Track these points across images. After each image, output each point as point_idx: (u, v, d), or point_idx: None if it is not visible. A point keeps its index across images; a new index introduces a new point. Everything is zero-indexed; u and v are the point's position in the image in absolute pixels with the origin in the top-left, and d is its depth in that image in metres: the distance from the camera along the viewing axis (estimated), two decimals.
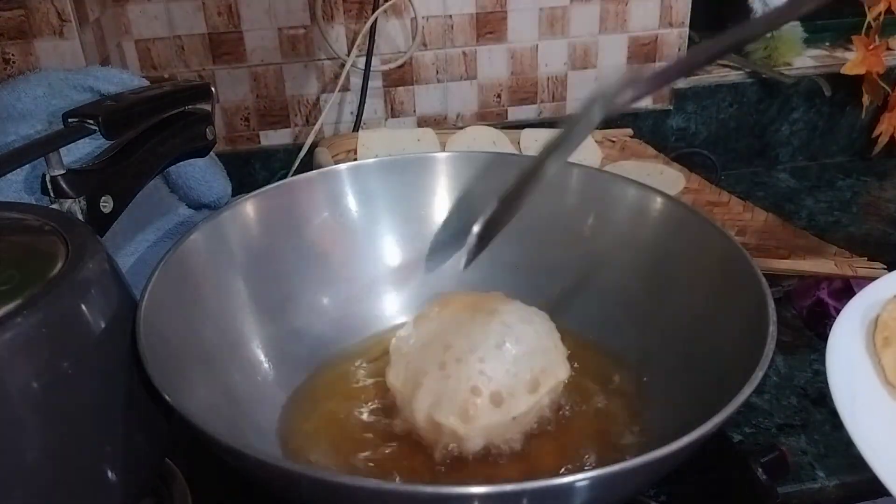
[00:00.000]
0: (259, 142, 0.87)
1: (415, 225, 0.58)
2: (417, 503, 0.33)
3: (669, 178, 0.78)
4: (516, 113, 0.91)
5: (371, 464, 0.45)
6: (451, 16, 0.84)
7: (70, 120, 0.44)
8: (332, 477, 0.32)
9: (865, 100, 0.92)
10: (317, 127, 0.84)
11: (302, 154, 0.83)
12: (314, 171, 0.58)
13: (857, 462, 0.51)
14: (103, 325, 0.36)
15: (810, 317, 0.64)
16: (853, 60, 0.90)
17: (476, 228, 0.41)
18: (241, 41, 0.82)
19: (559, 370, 0.46)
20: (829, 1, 0.38)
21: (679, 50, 0.90)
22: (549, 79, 0.89)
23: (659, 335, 0.50)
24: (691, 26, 0.90)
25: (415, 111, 0.89)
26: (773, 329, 0.39)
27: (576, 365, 0.49)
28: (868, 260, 0.65)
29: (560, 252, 0.55)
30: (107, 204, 0.45)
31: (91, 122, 0.44)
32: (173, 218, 0.63)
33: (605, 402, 0.48)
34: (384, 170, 0.58)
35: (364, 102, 0.85)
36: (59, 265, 0.36)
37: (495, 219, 0.41)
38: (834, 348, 0.44)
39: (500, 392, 0.43)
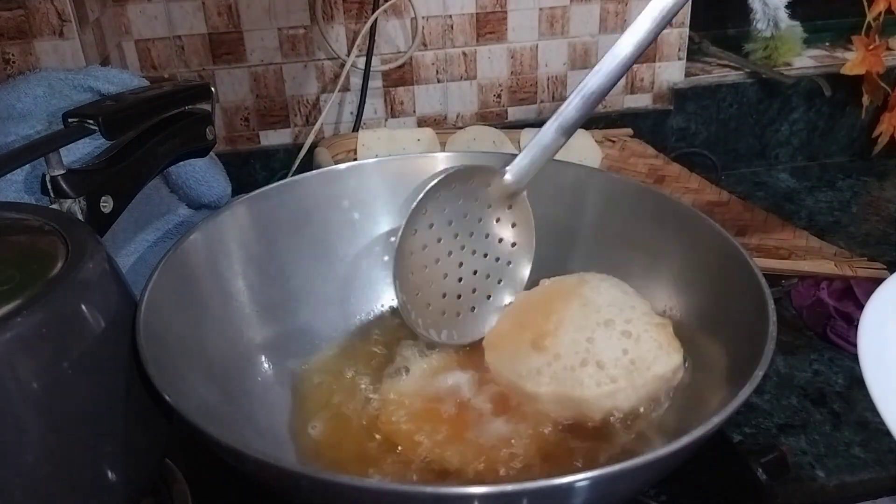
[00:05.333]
0: (259, 142, 0.87)
1: None
2: (418, 503, 0.33)
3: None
4: (516, 113, 0.91)
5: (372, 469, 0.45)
6: (451, 16, 0.84)
7: (70, 120, 0.44)
8: (332, 477, 0.32)
9: (865, 100, 0.92)
10: (317, 127, 0.84)
11: (302, 154, 0.83)
12: (314, 171, 0.58)
13: (857, 462, 0.51)
14: (103, 325, 0.36)
15: (810, 317, 0.64)
16: (853, 60, 0.90)
17: None
18: (241, 41, 0.82)
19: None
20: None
21: (679, 50, 0.90)
22: (549, 79, 0.89)
23: None
24: (691, 26, 0.90)
25: (415, 111, 0.89)
26: (773, 329, 0.39)
27: None
28: (868, 260, 0.65)
29: (559, 251, 0.55)
30: (107, 204, 0.45)
31: (91, 122, 0.44)
32: (173, 218, 0.63)
33: None
34: (384, 170, 0.57)
35: (364, 102, 0.85)
36: (59, 265, 0.36)
37: None
38: (867, 325, 0.43)
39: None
